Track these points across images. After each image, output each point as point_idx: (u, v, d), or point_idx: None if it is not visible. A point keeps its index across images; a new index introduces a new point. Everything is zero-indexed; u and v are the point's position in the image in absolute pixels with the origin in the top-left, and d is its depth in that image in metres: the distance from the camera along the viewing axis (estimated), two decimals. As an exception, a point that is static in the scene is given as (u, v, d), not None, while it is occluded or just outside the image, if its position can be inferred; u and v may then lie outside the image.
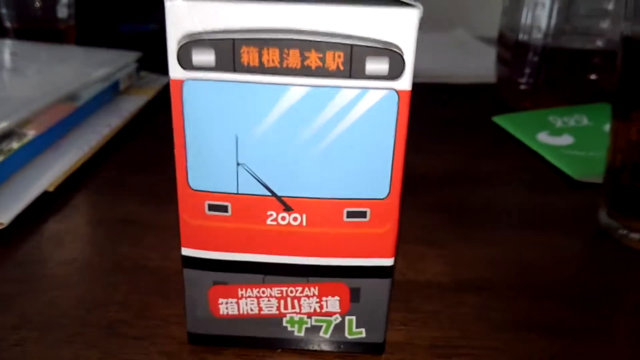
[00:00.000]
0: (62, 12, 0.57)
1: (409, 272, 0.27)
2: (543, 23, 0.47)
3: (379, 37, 0.18)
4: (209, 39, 0.18)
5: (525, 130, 0.44)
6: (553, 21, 0.47)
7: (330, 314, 0.21)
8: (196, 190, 0.20)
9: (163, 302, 0.25)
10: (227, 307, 0.21)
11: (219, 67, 0.18)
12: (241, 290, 0.21)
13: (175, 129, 0.19)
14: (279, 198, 0.20)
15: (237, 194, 0.20)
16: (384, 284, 0.21)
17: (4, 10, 0.56)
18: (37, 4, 0.56)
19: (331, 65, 0.18)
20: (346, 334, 0.22)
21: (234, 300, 0.21)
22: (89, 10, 0.61)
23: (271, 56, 0.18)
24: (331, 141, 0.19)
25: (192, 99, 0.18)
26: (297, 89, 0.18)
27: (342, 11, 0.17)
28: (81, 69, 0.44)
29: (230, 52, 0.18)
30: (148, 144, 0.41)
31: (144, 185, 0.35)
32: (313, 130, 0.19)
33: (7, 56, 0.49)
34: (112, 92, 0.45)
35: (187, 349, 0.22)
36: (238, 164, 0.19)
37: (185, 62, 0.18)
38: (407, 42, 0.18)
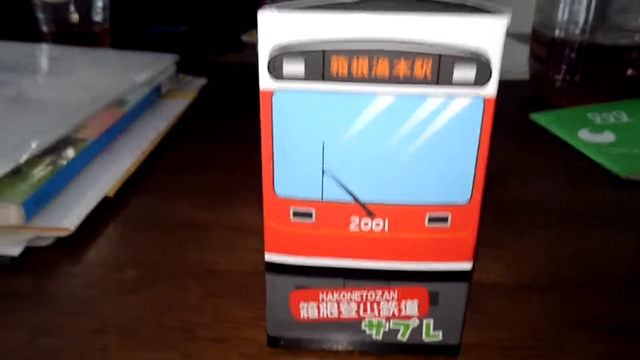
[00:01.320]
0: (97, 15, 0.58)
1: (474, 274, 0.28)
2: (580, 19, 0.47)
3: (467, 45, 0.18)
4: (300, 50, 0.18)
5: (566, 127, 0.44)
6: (590, 17, 0.47)
7: (408, 317, 0.22)
8: (282, 197, 0.20)
9: (238, 305, 0.25)
10: (307, 310, 0.22)
11: (309, 76, 0.18)
12: (322, 294, 0.22)
13: (264, 138, 0.19)
14: (362, 204, 0.20)
15: (322, 200, 0.20)
16: (462, 287, 0.21)
17: (40, 15, 0.57)
18: (73, 8, 0.56)
19: (419, 73, 0.18)
20: (423, 337, 0.22)
21: (315, 303, 0.22)
22: (118, 13, 0.62)
23: (360, 65, 0.18)
24: (416, 148, 0.19)
25: (282, 109, 0.19)
26: (384, 97, 0.18)
27: (431, 20, 0.18)
28: (124, 72, 0.45)
29: (320, 62, 0.18)
30: (195, 146, 0.41)
31: (198, 187, 0.35)
32: (399, 137, 0.19)
33: (49, 61, 0.49)
34: (155, 96, 0.45)
35: (267, 352, 0.23)
36: (324, 171, 0.20)
37: (276, 72, 0.18)
38: (494, 49, 0.18)
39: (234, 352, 0.23)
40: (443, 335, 0.22)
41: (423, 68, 0.18)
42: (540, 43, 0.52)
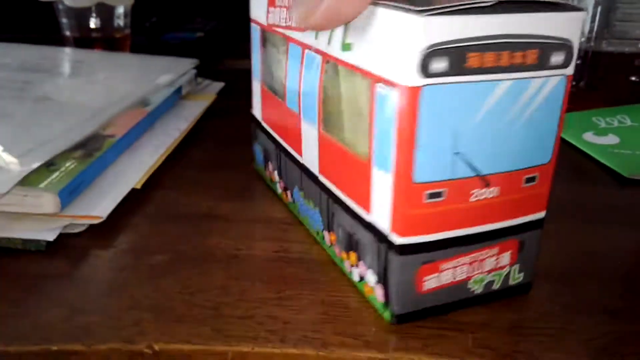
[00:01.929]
0: (119, 21, 0.60)
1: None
2: (585, 28, 0.49)
3: (560, 34, 0.22)
4: (445, 48, 0.20)
5: (571, 130, 0.46)
6: (595, 26, 0.49)
7: (503, 267, 0.25)
8: (418, 182, 0.22)
9: (259, 287, 0.27)
10: (430, 282, 0.24)
11: (449, 72, 0.21)
12: (442, 264, 0.24)
13: (400, 131, 0.21)
14: (483, 177, 0.23)
15: (451, 179, 0.22)
16: (538, 232, 0.25)
17: (63, 20, 0.59)
18: (95, 14, 0.59)
19: (529, 60, 0.22)
20: (510, 281, 0.25)
21: (436, 274, 0.24)
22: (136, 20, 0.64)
23: (489, 58, 0.21)
24: (522, 122, 0.22)
25: (426, 103, 0.21)
26: (504, 82, 0.22)
27: (537, 17, 0.21)
28: (147, 75, 0.47)
29: (459, 58, 0.21)
30: (214, 145, 0.43)
31: (217, 182, 0.37)
32: (511, 115, 0.22)
33: (73, 63, 0.51)
34: (176, 97, 0.47)
35: (289, 327, 0.24)
36: (456, 153, 0.22)
37: (424, 70, 0.20)
38: (576, 37, 0.22)
39: (258, 328, 0.24)
40: (523, 276, 0.26)
41: (532, 56, 0.22)
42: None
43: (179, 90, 0.47)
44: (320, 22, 0.22)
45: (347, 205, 0.26)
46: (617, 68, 0.50)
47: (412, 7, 0.20)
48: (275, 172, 0.35)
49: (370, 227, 0.24)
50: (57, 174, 0.31)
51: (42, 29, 0.62)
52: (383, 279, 0.24)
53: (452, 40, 0.20)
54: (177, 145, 0.41)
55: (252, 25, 0.35)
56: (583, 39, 0.49)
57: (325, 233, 0.29)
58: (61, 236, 0.30)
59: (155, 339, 0.24)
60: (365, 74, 0.23)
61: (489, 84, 0.21)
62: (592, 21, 0.49)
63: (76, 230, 0.31)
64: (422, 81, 0.20)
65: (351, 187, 0.26)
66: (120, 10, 0.60)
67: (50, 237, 0.29)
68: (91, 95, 0.42)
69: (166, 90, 0.45)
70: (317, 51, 0.27)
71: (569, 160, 0.42)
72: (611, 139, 0.44)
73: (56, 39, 0.59)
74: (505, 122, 0.22)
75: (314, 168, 0.29)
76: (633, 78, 0.50)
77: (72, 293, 0.27)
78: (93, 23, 0.59)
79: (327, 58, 0.26)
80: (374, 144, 0.23)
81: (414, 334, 0.24)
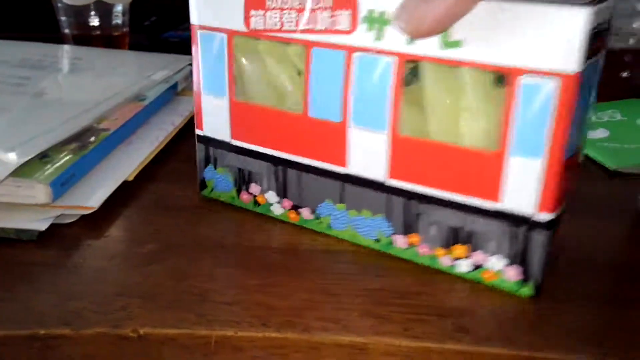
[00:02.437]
0: (117, 19, 0.60)
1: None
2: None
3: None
4: (594, 34, 0.22)
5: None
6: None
7: None
8: (566, 159, 0.25)
9: (245, 274, 0.27)
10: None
11: (591, 55, 0.23)
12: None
13: (561, 115, 0.23)
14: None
15: (575, 154, 0.27)
16: None
17: (62, 18, 0.60)
18: (94, 12, 0.59)
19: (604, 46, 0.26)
20: None
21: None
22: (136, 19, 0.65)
23: (599, 43, 0.24)
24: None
25: (581, 85, 0.23)
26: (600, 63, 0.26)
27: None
28: (143, 71, 0.47)
29: (593, 43, 0.23)
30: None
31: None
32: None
33: (71, 60, 0.52)
34: (171, 93, 0.48)
35: (274, 319, 0.25)
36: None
37: (585, 56, 0.22)
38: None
39: (243, 314, 0.25)
40: None
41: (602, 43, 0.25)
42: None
43: (174, 86, 0.48)
44: (434, 28, 0.21)
45: (452, 201, 0.26)
46: (607, 64, 0.50)
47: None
48: (271, 193, 0.32)
49: (498, 215, 0.25)
50: (50, 165, 0.32)
51: (42, 27, 0.62)
52: (521, 259, 0.25)
53: (594, 27, 0.22)
54: (171, 139, 0.42)
55: (202, 33, 0.31)
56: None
57: (398, 237, 0.28)
58: (54, 226, 0.31)
59: (142, 324, 0.24)
60: (485, 67, 0.24)
61: (597, 65, 0.25)
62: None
63: (68, 221, 0.31)
64: (582, 67, 0.22)
65: (459, 182, 0.26)
66: (119, 8, 0.60)
67: (43, 226, 0.30)
68: (88, 90, 0.43)
69: (162, 85, 0.46)
70: (385, 52, 0.26)
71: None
72: (601, 133, 0.44)
73: (56, 37, 0.60)
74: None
75: (378, 174, 0.28)
76: (624, 74, 0.50)
77: (63, 280, 0.27)
78: (92, 21, 0.59)
79: (407, 58, 0.25)
80: (515, 133, 0.24)
81: (390, 318, 0.25)
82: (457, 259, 0.27)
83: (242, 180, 0.32)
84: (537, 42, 0.22)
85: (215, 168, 0.33)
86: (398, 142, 0.27)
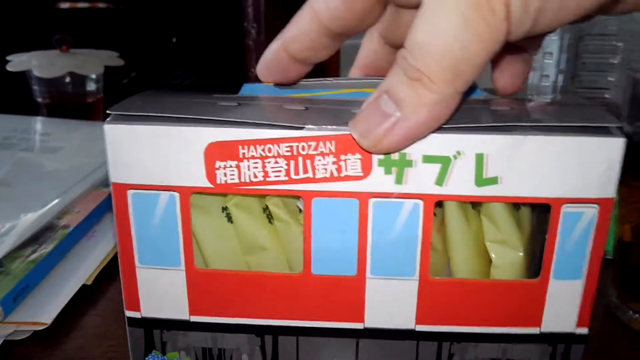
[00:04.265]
0: (91, 86, 0.60)
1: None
2: (550, 80, 0.49)
3: None
4: None
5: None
6: (560, 78, 0.48)
7: None
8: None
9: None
10: None
11: None
12: None
13: (599, 239, 0.24)
14: None
15: None
16: None
17: (35, 87, 0.59)
18: (67, 80, 0.59)
19: None
20: None
21: None
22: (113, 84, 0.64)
23: None
24: None
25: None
26: None
27: None
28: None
29: None
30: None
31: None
32: None
33: (42, 137, 0.52)
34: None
35: None
36: None
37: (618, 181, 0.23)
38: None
39: None
40: None
41: None
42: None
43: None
44: (394, 148, 0.21)
45: (489, 334, 0.25)
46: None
47: (588, 125, 0.22)
48: None
49: (539, 338, 0.25)
50: (2, 276, 0.31)
51: (16, 95, 0.62)
52: None
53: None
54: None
55: (136, 193, 0.23)
56: (549, 90, 0.49)
57: None
58: (6, 343, 0.30)
59: None
60: (521, 200, 0.24)
61: None
62: (557, 71, 0.48)
63: (21, 337, 0.30)
64: (615, 192, 0.23)
65: (496, 315, 0.25)
66: (93, 76, 0.60)
67: (-6, 347, 0.29)
68: (52, 177, 0.42)
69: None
70: (408, 196, 0.23)
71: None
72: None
73: (29, 105, 0.59)
74: None
75: (406, 322, 0.25)
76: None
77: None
78: (65, 90, 0.59)
79: (436, 200, 0.23)
80: (556, 259, 0.24)
81: None
82: None
83: None
84: (577, 173, 0.23)
85: (164, 354, 0.26)
86: (427, 286, 0.24)
